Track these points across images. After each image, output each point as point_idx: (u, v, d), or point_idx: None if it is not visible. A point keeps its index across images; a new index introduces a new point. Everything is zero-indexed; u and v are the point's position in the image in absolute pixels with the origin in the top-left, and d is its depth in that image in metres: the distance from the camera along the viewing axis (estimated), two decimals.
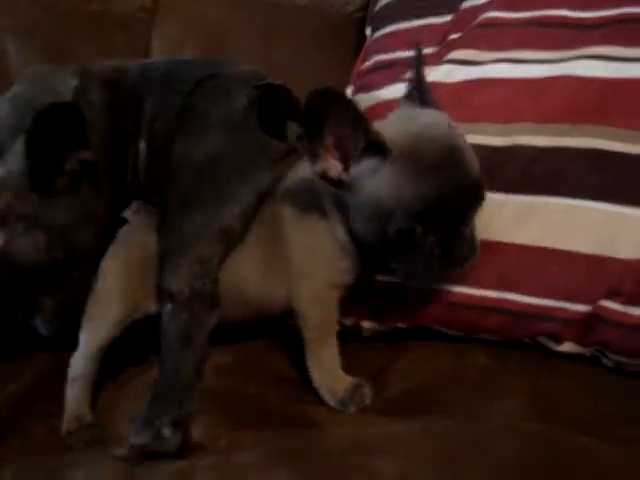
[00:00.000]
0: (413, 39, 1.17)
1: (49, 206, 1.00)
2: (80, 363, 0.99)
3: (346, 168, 0.88)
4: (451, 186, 0.84)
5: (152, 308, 0.99)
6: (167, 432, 0.86)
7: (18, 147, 0.99)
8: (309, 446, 0.80)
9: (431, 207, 0.84)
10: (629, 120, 0.94)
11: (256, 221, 1.02)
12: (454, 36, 1.12)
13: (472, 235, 0.87)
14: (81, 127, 0.99)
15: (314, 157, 0.87)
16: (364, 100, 1.17)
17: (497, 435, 0.77)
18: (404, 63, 1.14)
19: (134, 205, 1.08)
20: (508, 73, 1.03)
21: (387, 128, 0.88)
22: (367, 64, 1.27)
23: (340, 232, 0.95)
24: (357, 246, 0.94)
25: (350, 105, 0.83)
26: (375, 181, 0.86)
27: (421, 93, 0.96)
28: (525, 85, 1.01)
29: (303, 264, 0.97)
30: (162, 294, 0.97)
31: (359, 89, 1.24)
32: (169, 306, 0.95)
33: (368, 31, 1.37)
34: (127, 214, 1.06)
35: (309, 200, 0.98)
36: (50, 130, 0.95)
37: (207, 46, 1.57)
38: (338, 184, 0.89)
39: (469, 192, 0.86)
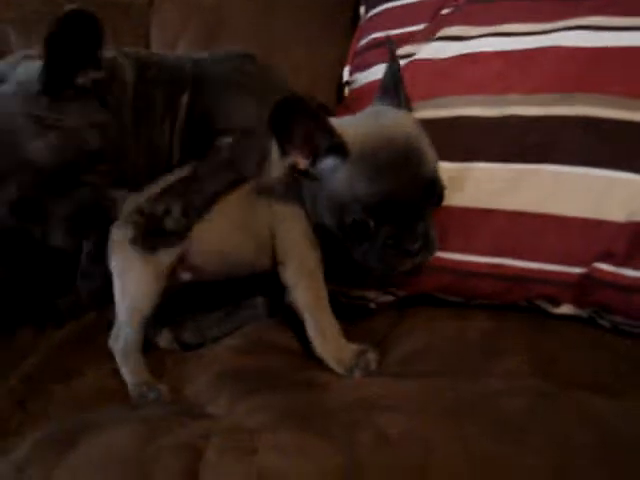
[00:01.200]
0: (405, 16, 1.22)
1: (58, 109, 1.05)
2: (127, 335, 1.06)
3: (313, 162, 0.94)
4: (402, 185, 0.89)
5: (182, 276, 1.08)
6: (176, 211, 1.00)
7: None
8: (316, 406, 0.84)
9: (383, 203, 0.89)
10: (617, 86, 0.97)
11: (241, 198, 1.08)
12: (445, 11, 1.15)
13: (426, 231, 0.91)
14: (98, 44, 1.05)
15: (284, 154, 0.94)
16: (361, 79, 1.21)
17: (498, 392, 0.81)
18: (398, 40, 1.17)
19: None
20: (498, 46, 1.06)
21: (350, 128, 0.94)
22: (362, 43, 1.31)
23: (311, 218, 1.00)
24: (323, 232, 0.99)
25: (313, 112, 0.90)
26: (335, 178, 0.92)
27: (395, 90, 1.00)
28: (514, 57, 1.04)
29: (284, 218, 1.03)
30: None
31: (356, 68, 1.29)
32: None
33: (362, 10, 1.41)
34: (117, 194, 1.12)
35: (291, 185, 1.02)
36: (70, 36, 1.01)
37: (206, 28, 1.61)
38: (306, 174, 0.95)
39: (421, 191, 0.90)
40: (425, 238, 0.90)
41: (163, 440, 0.80)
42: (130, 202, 1.11)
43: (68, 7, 0.99)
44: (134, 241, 1.06)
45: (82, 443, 0.82)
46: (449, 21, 1.12)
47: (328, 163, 0.93)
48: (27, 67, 1.08)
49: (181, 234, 1.04)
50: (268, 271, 1.07)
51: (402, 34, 1.20)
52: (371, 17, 1.32)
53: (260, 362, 1.03)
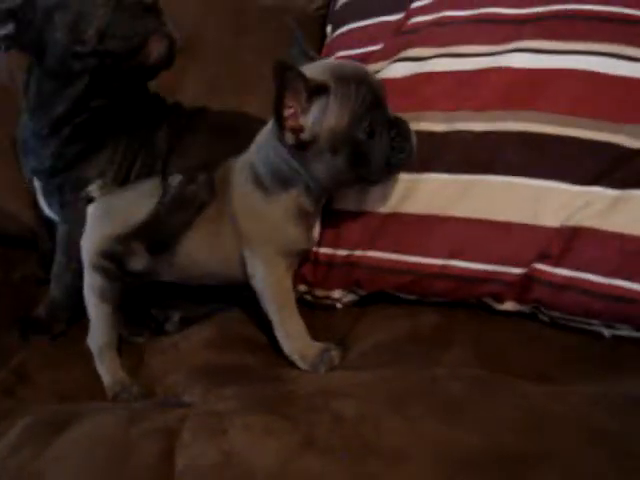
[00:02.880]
0: (368, 36, 1.30)
1: None
2: (98, 333, 1.13)
3: (302, 130, 1.01)
4: (374, 86, 1.02)
5: (136, 266, 1.12)
6: (140, 248, 1.10)
7: None
8: (281, 394, 0.93)
9: (372, 103, 1.00)
10: (552, 105, 1.06)
11: (208, 221, 1.13)
12: (404, 34, 1.23)
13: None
14: None
15: (281, 130, 1.01)
16: None
17: (441, 379, 0.90)
18: (361, 59, 1.26)
19: (98, 182, 1.20)
20: (450, 67, 1.15)
21: (313, 74, 1.01)
22: None
23: (302, 195, 1.07)
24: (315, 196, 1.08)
25: (296, 68, 0.98)
26: (330, 113, 1.00)
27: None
28: (465, 77, 1.13)
29: (249, 236, 1.09)
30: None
31: None
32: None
33: (329, 29, 1.48)
34: (91, 189, 1.18)
35: (253, 178, 1.10)
36: None
37: (181, 47, 1.64)
38: (303, 147, 1.02)
39: (383, 89, 1.04)
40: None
41: (143, 424, 0.88)
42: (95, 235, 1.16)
43: None
44: (102, 292, 1.14)
45: (70, 428, 0.89)
46: (409, 43, 1.20)
47: (315, 109, 1.00)
48: None
49: (146, 273, 1.11)
50: (240, 282, 1.14)
51: (364, 53, 1.28)
52: (337, 36, 1.39)
53: (233, 357, 1.12)
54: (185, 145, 1.24)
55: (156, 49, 1.16)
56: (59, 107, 1.19)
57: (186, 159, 1.21)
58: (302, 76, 0.98)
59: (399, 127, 1.03)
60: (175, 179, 1.11)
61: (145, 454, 0.82)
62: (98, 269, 1.09)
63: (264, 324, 1.15)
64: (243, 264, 1.10)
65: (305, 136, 1.01)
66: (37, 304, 1.32)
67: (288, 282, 1.10)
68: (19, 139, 1.32)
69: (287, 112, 1.00)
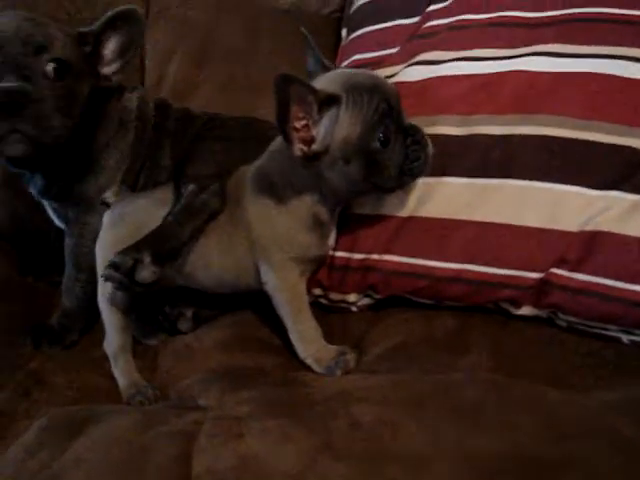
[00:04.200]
0: (384, 40, 1.30)
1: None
2: (112, 337, 1.15)
3: (313, 141, 1.02)
4: (389, 94, 1.02)
5: (144, 277, 1.09)
6: (147, 259, 1.05)
7: None
8: (298, 398, 0.93)
9: (386, 112, 1.00)
10: (570, 108, 1.06)
11: (220, 231, 1.14)
12: (420, 38, 1.24)
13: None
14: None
15: (289, 142, 1.01)
16: None
17: (458, 384, 0.90)
18: (377, 62, 1.27)
19: (114, 188, 1.22)
20: (466, 70, 1.15)
21: (325, 85, 1.03)
22: (344, 64, 1.39)
23: (317, 204, 1.08)
24: (331, 204, 1.08)
25: (302, 80, 0.98)
26: (342, 124, 1.01)
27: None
28: (481, 80, 1.13)
29: (265, 243, 1.09)
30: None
31: None
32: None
33: (344, 32, 1.49)
34: (108, 197, 1.20)
35: (266, 186, 1.10)
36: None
37: (196, 49, 1.66)
38: (315, 157, 1.02)
39: (398, 96, 1.04)
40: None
41: (160, 428, 0.88)
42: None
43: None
44: (114, 298, 1.15)
45: (86, 430, 0.90)
46: (425, 47, 1.20)
47: (326, 120, 1.01)
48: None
49: (154, 283, 1.09)
50: (252, 289, 1.15)
51: (380, 56, 1.29)
52: (352, 40, 1.40)
53: (247, 360, 1.12)
54: (198, 153, 1.23)
55: (11, 151, 1.10)
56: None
57: (198, 167, 1.19)
58: (310, 88, 0.98)
59: (414, 135, 1.03)
60: (187, 188, 1.12)
61: (162, 457, 0.82)
62: (108, 279, 1.09)
63: (278, 326, 1.15)
64: (256, 272, 1.11)
65: (316, 147, 1.02)
66: (51, 307, 1.34)
67: (302, 287, 1.10)
68: None
69: (298, 124, 1.00)
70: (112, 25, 1.19)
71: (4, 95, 1.04)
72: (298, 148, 1.01)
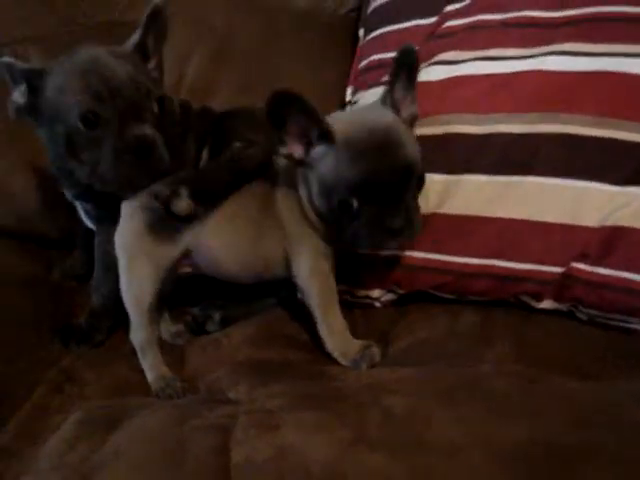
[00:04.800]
0: (401, 40, 1.31)
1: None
2: (139, 331, 1.16)
3: (306, 151, 1.06)
4: (381, 167, 0.99)
5: (180, 208, 1.13)
6: (185, 192, 1.09)
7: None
8: (329, 391, 0.96)
9: (363, 183, 0.99)
10: (589, 106, 1.08)
11: (251, 190, 1.17)
12: (439, 38, 1.26)
13: (408, 210, 1.02)
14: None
15: (280, 143, 1.05)
16: (363, 99, 1.32)
17: (485, 375, 0.93)
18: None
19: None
20: (485, 70, 1.17)
21: (338, 120, 1.06)
22: (362, 64, 1.41)
23: (308, 208, 1.11)
24: (320, 219, 1.10)
25: (304, 103, 1.02)
26: (324, 163, 1.04)
27: (390, 89, 1.10)
28: (500, 79, 1.15)
29: (295, 236, 1.13)
30: None
31: (358, 88, 1.39)
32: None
33: (361, 32, 1.51)
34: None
35: (296, 177, 1.13)
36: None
37: (214, 50, 1.68)
38: (301, 163, 1.07)
39: (399, 173, 1.00)
40: (407, 217, 1.01)
41: (195, 421, 0.90)
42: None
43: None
44: (146, 224, 1.15)
45: (122, 424, 0.93)
46: (444, 47, 1.22)
47: (318, 151, 1.04)
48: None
49: (189, 218, 1.12)
50: (278, 278, 1.18)
51: None
52: (370, 40, 1.42)
53: (275, 354, 1.14)
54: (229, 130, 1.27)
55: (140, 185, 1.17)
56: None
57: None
58: (317, 118, 1.03)
59: (391, 222, 1.01)
60: (234, 145, 1.17)
61: (200, 449, 0.84)
62: (144, 210, 1.13)
63: (304, 323, 1.19)
64: (285, 262, 1.14)
65: (302, 157, 1.06)
66: (76, 305, 1.38)
67: (332, 280, 1.12)
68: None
69: (293, 131, 1.04)
70: (149, 26, 1.21)
71: (143, 141, 1.13)
72: (285, 149, 1.06)
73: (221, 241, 1.16)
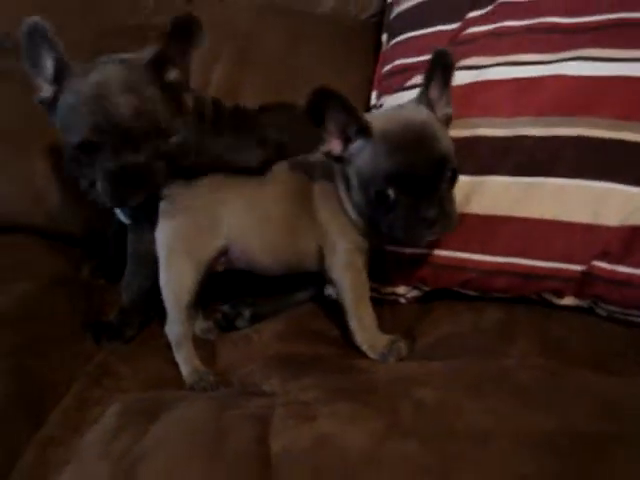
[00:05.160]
0: (425, 45, 1.35)
1: (147, 82, 1.21)
2: (176, 326, 1.19)
3: (345, 147, 1.10)
4: (416, 159, 1.04)
5: (211, 249, 1.20)
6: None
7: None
8: (360, 383, 1.00)
9: (399, 174, 1.04)
10: (609, 110, 1.11)
11: (287, 186, 1.21)
12: (462, 44, 1.29)
13: (442, 201, 1.06)
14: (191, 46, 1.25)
15: (320, 140, 1.10)
16: (388, 103, 1.36)
17: (511, 368, 0.97)
18: (418, 67, 1.33)
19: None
20: (508, 74, 1.20)
21: (376, 116, 1.12)
22: (386, 69, 1.45)
23: (346, 203, 1.15)
24: (358, 212, 1.14)
25: (343, 100, 1.06)
26: (362, 156, 1.09)
27: (427, 94, 1.14)
28: (523, 84, 1.18)
29: (332, 231, 1.17)
30: None
31: (382, 92, 1.43)
32: None
33: (384, 37, 1.55)
34: (165, 191, 1.24)
35: (331, 176, 1.17)
36: (175, 36, 1.22)
37: (239, 53, 1.72)
38: (339, 160, 1.11)
39: (433, 166, 1.05)
40: (442, 208, 1.05)
41: (233, 412, 0.94)
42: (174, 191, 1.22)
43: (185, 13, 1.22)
44: (186, 223, 1.20)
45: (162, 415, 0.96)
46: (467, 52, 1.25)
47: (356, 146, 1.09)
48: (129, 56, 1.26)
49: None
50: (308, 271, 1.22)
51: (422, 61, 1.33)
52: (393, 45, 1.46)
53: (306, 349, 1.18)
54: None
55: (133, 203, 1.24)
56: None
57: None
58: (354, 114, 1.07)
59: (427, 212, 1.05)
60: None
61: (240, 439, 0.87)
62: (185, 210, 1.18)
63: (332, 319, 1.23)
64: (318, 256, 1.18)
65: (341, 154, 1.11)
66: (105, 303, 1.42)
67: (365, 276, 1.17)
68: None
69: (333, 127, 1.09)
70: (175, 35, 1.23)
71: (134, 168, 1.20)
72: (324, 146, 1.11)
73: (258, 239, 1.20)
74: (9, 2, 1.79)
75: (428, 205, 1.04)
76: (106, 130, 1.16)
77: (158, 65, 1.22)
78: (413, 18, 1.44)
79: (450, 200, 1.08)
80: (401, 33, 1.45)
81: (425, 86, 1.12)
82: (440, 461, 0.78)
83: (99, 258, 1.57)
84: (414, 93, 1.25)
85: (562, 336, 1.10)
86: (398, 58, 1.42)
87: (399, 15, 1.49)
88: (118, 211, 1.36)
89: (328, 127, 1.08)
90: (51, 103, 1.22)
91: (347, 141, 1.09)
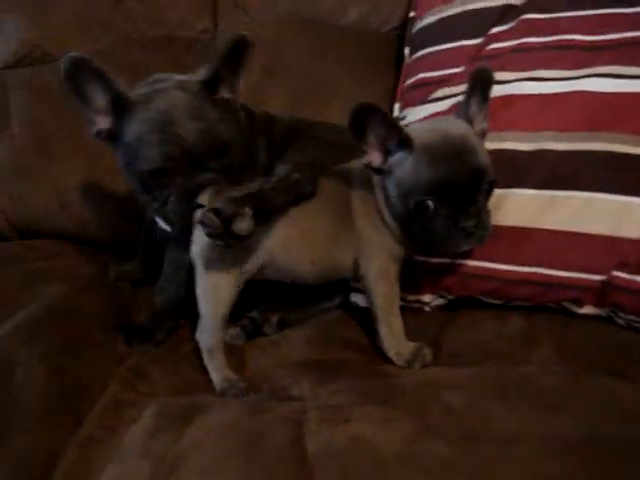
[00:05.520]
0: (447, 60, 1.40)
1: (207, 105, 1.25)
2: (210, 335, 1.21)
3: (385, 159, 1.14)
4: (456, 172, 1.07)
5: (251, 267, 1.21)
6: (249, 212, 1.10)
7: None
8: (389, 387, 1.03)
9: (439, 186, 1.07)
10: (630, 126, 1.15)
11: (327, 197, 1.23)
12: (485, 59, 1.33)
13: (479, 213, 1.09)
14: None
15: (361, 152, 1.14)
16: (411, 115, 1.40)
17: (533, 374, 1.00)
18: (440, 81, 1.38)
19: (208, 191, 1.24)
20: (531, 90, 1.25)
21: (416, 129, 1.15)
22: (409, 82, 1.49)
23: (384, 212, 1.18)
24: (397, 222, 1.18)
25: (385, 115, 1.10)
26: (402, 168, 1.12)
27: (466, 104, 1.17)
28: (547, 99, 1.22)
29: (369, 240, 1.20)
30: None
31: (405, 104, 1.47)
32: None
33: (407, 51, 1.59)
34: (202, 200, 1.23)
35: (370, 187, 1.21)
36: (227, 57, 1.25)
37: (264, 64, 1.76)
38: (379, 171, 1.15)
39: (472, 178, 1.08)
40: (478, 219, 1.08)
41: (267, 415, 0.97)
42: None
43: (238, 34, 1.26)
44: (217, 293, 1.21)
45: (197, 418, 0.98)
46: (492, 67, 1.26)
47: (397, 157, 1.12)
48: (183, 77, 1.30)
49: (246, 237, 1.14)
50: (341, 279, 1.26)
51: (444, 75, 1.39)
52: (416, 59, 1.50)
53: (333, 354, 1.22)
54: (292, 147, 1.35)
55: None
56: None
57: (292, 156, 1.31)
58: (399, 129, 1.11)
59: (465, 222, 1.08)
60: (283, 167, 1.23)
61: (277, 440, 0.90)
62: (206, 223, 1.13)
63: (359, 326, 1.27)
64: (352, 265, 1.22)
65: (381, 166, 1.14)
66: (133, 306, 1.45)
67: (397, 285, 1.21)
68: None
69: (374, 139, 1.12)
70: (228, 56, 1.27)
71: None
72: (364, 158, 1.14)
73: (298, 253, 1.22)
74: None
75: (466, 216, 1.08)
76: (177, 157, 1.20)
77: (212, 85, 1.26)
78: (436, 33, 1.48)
79: (487, 212, 1.12)
80: (424, 47, 1.49)
81: (465, 101, 1.15)
82: (469, 461, 0.82)
83: (125, 262, 1.62)
84: (437, 106, 1.31)
85: (581, 344, 1.13)
86: (421, 71, 1.46)
87: (422, 29, 1.53)
88: (160, 220, 1.39)
89: (369, 140, 1.12)
90: (111, 134, 1.25)
91: (387, 153, 1.13)
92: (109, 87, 1.22)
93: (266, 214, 1.15)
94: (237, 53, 1.26)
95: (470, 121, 1.15)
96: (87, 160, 1.75)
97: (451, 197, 1.08)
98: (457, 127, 1.14)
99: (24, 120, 1.83)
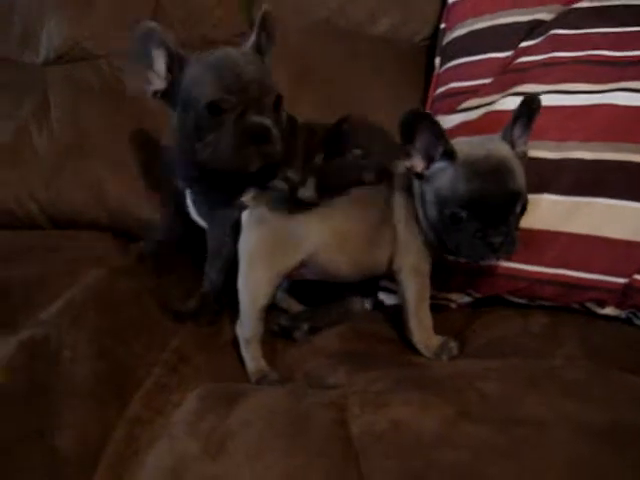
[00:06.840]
0: (476, 71, 1.47)
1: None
2: (248, 326, 1.27)
3: (427, 166, 1.19)
4: (492, 189, 1.12)
5: (292, 262, 1.25)
6: (312, 183, 1.20)
7: None
8: (423, 377, 1.08)
9: (474, 201, 1.12)
10: None
11: (370, 199, 1.29)
12: (514, 72, 1.40)
13: (509, 232, 1.13)
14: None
15: (406, 156, 1.19)
16: (443, 124, 1.44)
17: (559, 367, 1.07)
18: (470, 91, 1.44)
19: (251, 191, 1.29)
20: (558, 102, 1.31)
21: (460, 144, 1.19)
22: (439, 91, 1.56)
23: (420, 215, 1.24)
24: (430, 227, 1.23)
25: (435, 122, 1.16)
26: (442, 177, 1.17)
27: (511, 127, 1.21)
28: (572, 111, 1.29)
29: (406, 240, 1.26)
30: None
31: (435, 113, 1.52)
32: None
33: (437, 61, 1.65)
34: (245, 199, 1.29)
35: (408, 185, 1.27)
36: None
37: (293, 73, 1.81)
38: (420, 176, 1.20)
39: (506, 198, 1.12)
40: (506, 237, 1.12)
41: (309, 399, 1.02)
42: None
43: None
44: (270, 235, 1.25)
45: (242, 400, 1.03)
46: (520, 80, 1.36)
47: (439, 166, 1.17)
48: None
49: (309, 205, 1.21)
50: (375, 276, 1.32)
51: (475, 85, 1.45)
52: (446, 69, 1.56)
53: (365, 346, 1.28)
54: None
55: (253, 167, 1.31)
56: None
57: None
58: (444, 137, 1.16)
59: (492, 237, 1.13)
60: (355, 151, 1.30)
61: (322, 421, 0.96)
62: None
63: (388, 323, 1.34)
64: (388, 263, 1.27)
65: (422, 171, 1.19)
66: (171, 290, 1.50)
67: (428, 281, 1.26)
68: (170, 156, 1.50)
69: (419, 146, 1.18)
70: (261, 28, 1.37)
71: (260, 127, 1.28)
72: (408, 162, 1.20)
73: (339, 253, 1.27)
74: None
75: (496, 233, 1.12)
76: (234, 91, 1.27)
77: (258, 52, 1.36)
78: (467, 44, 1.54)
79: (516, 231, 1.16)
80: (455, 58, 1.55)
81: (512, 123, 1.20)
82: (507, 443, 0.87)
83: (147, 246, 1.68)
84: (465, 116, 1.37)
85: (603, 342, 1.19)
86: (451, 82, 1.52)
87: (453, 41, 1.59)
88: (192, 209, 1.46)
89: (416, 145, 1.17)
90: (166, 92, 1.34)
91: (430, 160, 1.18)
92: (170, 49, 1.31)
93: (329, 189, 1.22)
94: (267, 26, 1.37)
95: (512, 143, 1.20)
96: (123, 155, 1.82)
97: (484, 213, 1.12)
98: (500, 148, 1.19)
99: (63, 115, 1.90)
